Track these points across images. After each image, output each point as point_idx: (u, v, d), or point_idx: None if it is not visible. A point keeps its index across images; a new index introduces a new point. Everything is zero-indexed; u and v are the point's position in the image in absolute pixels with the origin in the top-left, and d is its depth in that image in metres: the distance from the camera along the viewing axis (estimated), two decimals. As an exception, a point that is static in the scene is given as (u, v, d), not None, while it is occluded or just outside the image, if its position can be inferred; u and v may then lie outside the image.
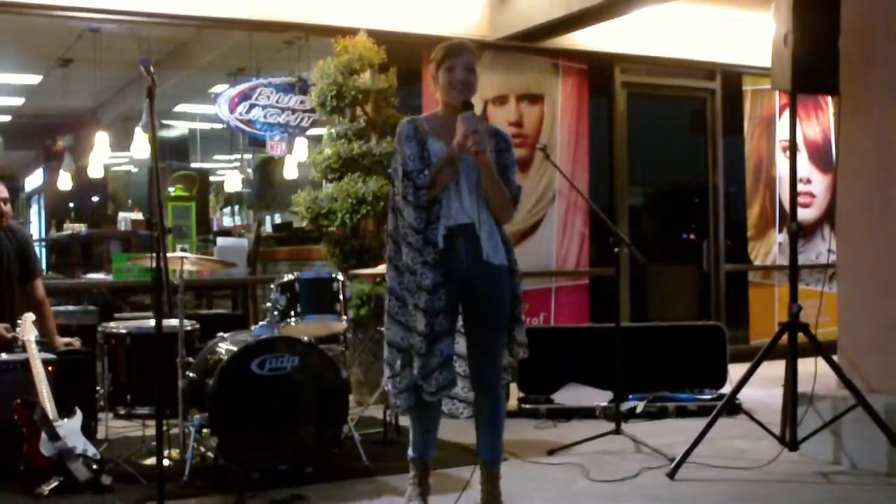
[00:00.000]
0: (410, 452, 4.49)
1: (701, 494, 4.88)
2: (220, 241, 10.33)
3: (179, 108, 14.22)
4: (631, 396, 6.93)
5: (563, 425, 6.66)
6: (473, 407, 4.43)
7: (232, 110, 8.59)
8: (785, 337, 5.35)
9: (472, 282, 4.26)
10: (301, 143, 9.31)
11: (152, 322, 4.86)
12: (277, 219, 14.77)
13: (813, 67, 5.26)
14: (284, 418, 5.10)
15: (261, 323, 5.60)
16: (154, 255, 4.06)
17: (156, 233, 4.09)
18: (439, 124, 4.34)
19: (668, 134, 10.50)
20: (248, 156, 14.22)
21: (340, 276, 5.68)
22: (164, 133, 14.84)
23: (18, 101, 13.85)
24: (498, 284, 4.32)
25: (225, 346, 5.41)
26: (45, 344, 5.60)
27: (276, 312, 5.48)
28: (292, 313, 5.47)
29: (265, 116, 8.66)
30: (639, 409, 6.82)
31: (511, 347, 4.39)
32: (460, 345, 4.41)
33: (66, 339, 5.89)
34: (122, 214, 12.14)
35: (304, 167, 9.40)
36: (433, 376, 4.16)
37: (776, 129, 10.31)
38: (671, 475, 5.14)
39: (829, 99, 10.09)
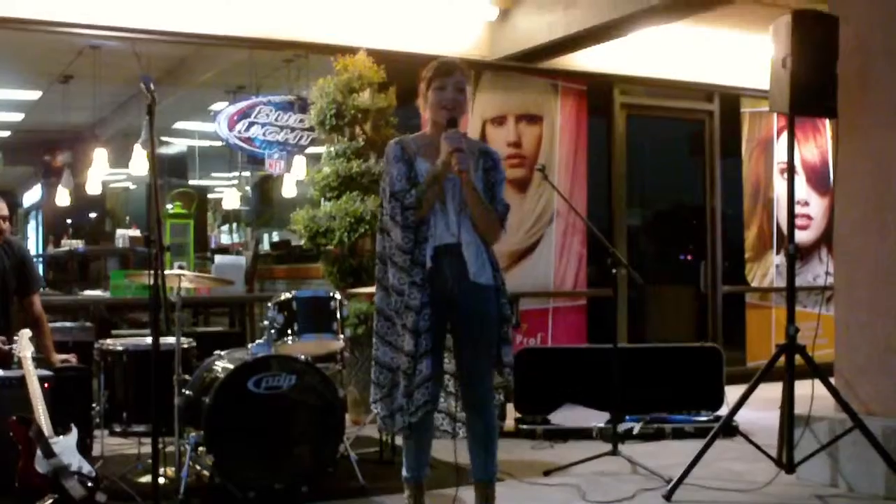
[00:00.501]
0: (405, 472, 4.47)
1: (697, 516, 4.89)
2: (218, 258, 10.32)
3: (178, 125, 14.23)
4: (628, 417, 6.92)
5: (559, 446, 6.65)
6: (466, 427, 4.42)
7: (231, 128, 8.60)
8: (782, 359, 5.35)
9: (458, 301, 4.24)
10: (300, 162, 9.32)
11: (149, 339, 4.86)
12: (275, 237, 14.79)
13: (811, 90, 5.27)
14: (281, 437, 5.10)
15: (258, 341, 5.60)
16: (152, 272, 4.06)
17: (154, 250, 4.09)
18: (427, 144, 4.34)
19: (666, 155, 10.53)
20: (246, 174, 14.23)
21: (338, 295, 5.68)
22: (162, 150, 14.84)
23: (18, 117, 13.88)
24: (485, 303, 4.32)
25: (222, 364, 5.40)
26: (41, 360, 5.59)
27: (273, 331, 5.48)
28: (289, 332, 5.47)
29: (264, 134, 8.67)
30: (636, 431, 6.81)
31: (498, 368, 4.38)
32: (452, 364, 4.42)
33: (63, 356, 5.88)
34: (119, 231, 12.14)
35: (302, 185, 9.41)
36: (413, 396, 4.16)
37: (774, 152, 10.33)
38: (668, 497, 5.13)
39: (827, 122, 10.12)
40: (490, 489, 4.40)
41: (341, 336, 5.59)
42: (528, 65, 8.76)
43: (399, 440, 5.77)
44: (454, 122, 4.26)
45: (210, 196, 16.24)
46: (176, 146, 15.41)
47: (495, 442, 4.41)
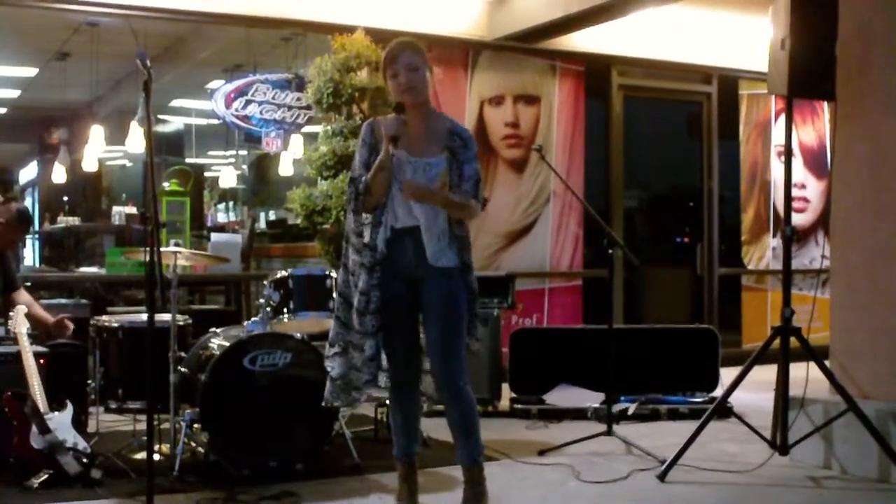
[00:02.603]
0: (395, 451, 4.49)
1: (691, 497, 4.89)
2: (214, 236, 10.32)
3: (175, 103, 14.19)
4: (623, 398, 6.93)
5: (554, 426, 6.66)
6: (445, 413, 4.41)
7: (228, 106, 8.58)
8: (777, 341, 5.36)
9: (422, 285, 4.27)
10: (296, 140, 9.30)
11: (145, 316, 4.86)
12: (272, 215, 14.78)
13: (810, 72, 5.26)
14: (276, 415, 5.10)
15: (253, 319, 5.59)
16: (148, 249, 4.05)
17: (150, 227, 4.08)
18: None
19: (663, 137, 10.51)
20: (243, 152, 14.21)
21: (333, 273, 5.67)
22: (159, 128, 14.82)
23: (14, 94, 13.83)
24: (449, 285, 4.30)
25: (217, 341, 5.40)
26: (36, 336, 5.57)
27: (268, 309, 5.48)
28: (285, 310, 5.47)
29: (261, 113, 8.65)
30: (630, 411, 6.82)
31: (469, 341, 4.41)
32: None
33: (61, 316, 5.86)
34: (116, 208, 12.13)
35: (299, 164, 9.40)
36: (362, 371, 4.24)
37: (771, 134, 10.32)
38: (661, 477, 5.14)
39: (825, 104, 10.11)
40: (476, 471, 4.38)
41: (337, 315, 5.59)
42: (527, 45, 8.74)
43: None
44: (400, 107, 4.25)
45: (207, 174, 16.22)
46: (173, 124, 15.38)
47: (476, 424, 4.37)
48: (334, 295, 5.53)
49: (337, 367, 4.33)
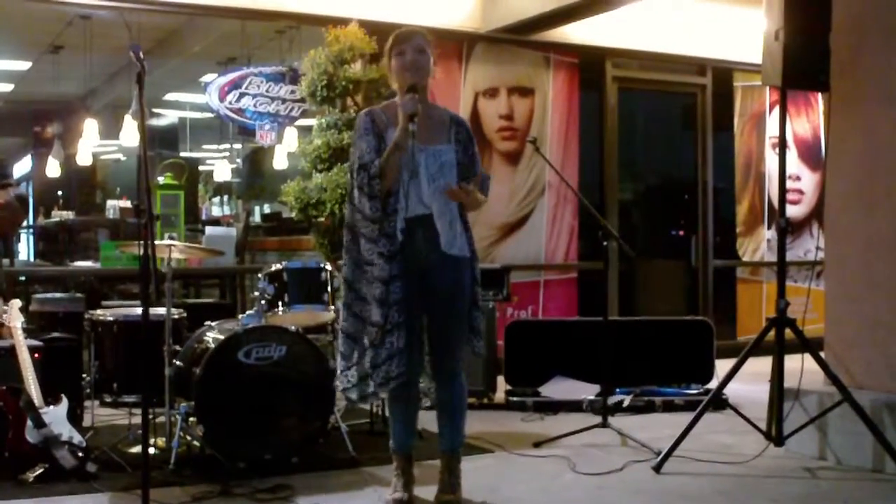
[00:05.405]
0: (392, 443, 4.51)
1: (686, 488, 4.89)
2: (209, 230, 10.33)
3: (169, 96, 14.18)
4: (618, 390, 6.93)
5: (549, 418, 6.67)
6: (435, 396, 4.44)
7: (222, 99, 8.57)
8: (772, 333, 5.36)
9: (431, 273, 4.29)
10: (291, 133, 9.29)
11: (139, 310, 4.85)
12: (266, 209, 14.78)
13: (804, 64, 5.26)
14: (271, 408, 5.10)
15: (248, 312, 5.59)
16: (142, 242, 4.04)
17: (144, 220, 4.07)
18: (396, 113, 4.32)
19: (658, 129, 10.50)
20: (237, 145, 14.22)
21: (328, 266, 5.68)
22: (153, 121, 14.81)
23: (7, 88, 13.81)
24: (458, 274, 4.35)
25: (212, 334, 5.40)
26: (32, 331, 5.56)
27: (263, 302, 5.47)
28: (280, 303, 5.46)
29: (255, 106, 8.64)
30: (626, 403, 6.82)
31: (470, 334, 4.42)
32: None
33: None
34: (110, 202, 12.14)
35: (293, 157, 9.39)
36: (382, 368, 4.19)
37: (766, 126, 10.32)
38: (657, 469, 5.15)
39: (819, 96, 10.11)
40: (454, 460, 4.44)
41: (332, 307, 5.59)
42: (521, 37, 8.73)
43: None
44: (413, 88, 4.28)
45: (201, 168, 16.21)
46: (167, 118, 15.37)
47: (463, 412, 4.45)
48: (329, 289, 5.57)
49: (359, 370, 4.34)
